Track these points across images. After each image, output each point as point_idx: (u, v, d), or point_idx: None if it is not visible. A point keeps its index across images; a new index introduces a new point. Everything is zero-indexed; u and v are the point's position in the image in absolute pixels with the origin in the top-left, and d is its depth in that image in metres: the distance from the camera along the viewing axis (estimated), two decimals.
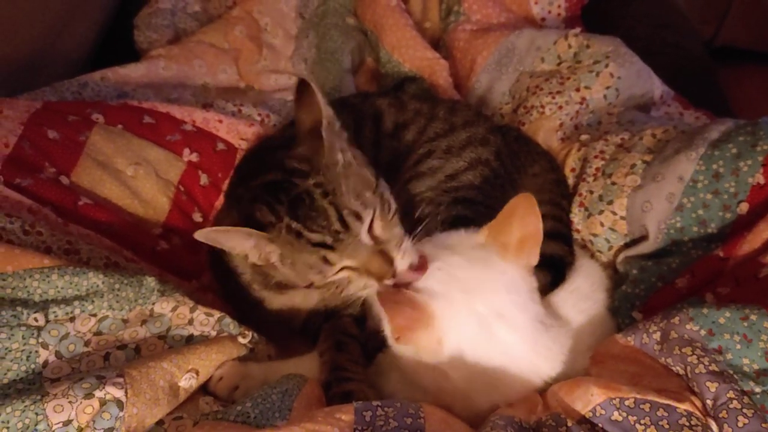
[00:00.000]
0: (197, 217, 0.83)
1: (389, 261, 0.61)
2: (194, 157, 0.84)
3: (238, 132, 0.89)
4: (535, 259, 0.62)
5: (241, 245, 0.62)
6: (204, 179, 0.84)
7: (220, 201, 0.85)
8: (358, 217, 0.60)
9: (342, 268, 0.62)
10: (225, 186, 0.86)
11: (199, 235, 0.59)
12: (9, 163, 0.71)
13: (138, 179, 0.79)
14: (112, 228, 0.74)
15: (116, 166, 0.78)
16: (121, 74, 0.97)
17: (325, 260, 0.60)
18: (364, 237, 0.61)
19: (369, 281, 0.62)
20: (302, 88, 0.62)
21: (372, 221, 0.61)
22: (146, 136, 0.82)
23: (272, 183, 0.63)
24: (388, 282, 0.61)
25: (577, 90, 0.94)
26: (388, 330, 0.59)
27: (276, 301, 0.73)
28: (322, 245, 0.60)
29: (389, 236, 0.62)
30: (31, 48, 0.95)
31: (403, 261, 0.61)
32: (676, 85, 1.03)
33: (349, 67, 1.07)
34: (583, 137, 0.90)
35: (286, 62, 1.13)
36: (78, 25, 1.06)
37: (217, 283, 0.79)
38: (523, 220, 0.61)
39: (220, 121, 0.89)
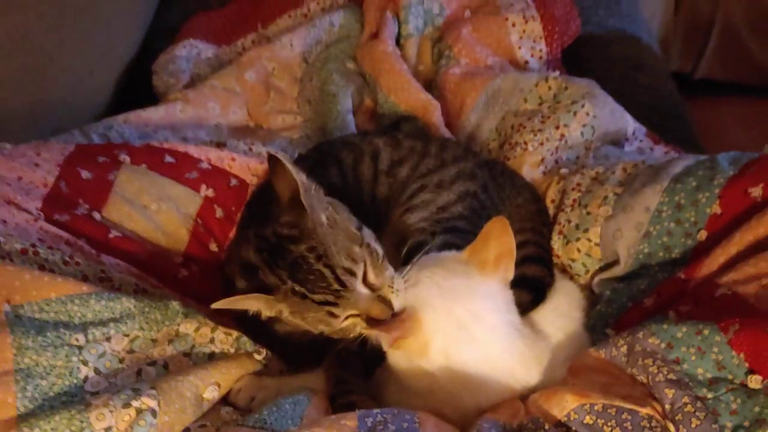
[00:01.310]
0: (213, 247, 0.91)
1: (387, 303, 0.68)
2: (210, 193, 0.92)
3: (249, 169, 0.97)
4: (510, 274, 0.71)
5: (254, 307, 0.69)
6: (219, 212, 0.92)
7: (233, 232, 0.93)
8: (352, 273, 0.67)
9: (346, 318, 0.69)
10: (238, 218, 0.93)
11: (217, 305, 0.66)
12: (48, 201, 0.79)
13: (161, 214, 0.87)
14: (139, 258, 0.81)
15: (142, 202, 0.86)
16: (142, 117, 1.06)
17: (331, 314, 0.68)
18: (360, 288, 0.68)
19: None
20: (273, 161, 0.69)
21: (366, 272, 0.68)
22: (167, 174, 0.90)
23: (269, 243, 0.70)
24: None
25: (557, 128, 1.02)
26: (384, 340, 0.67)
27: (283, 328, 0.80)
28: (326, 303, 0.67)
29: (382, 281, 0.69)
30: (62, 94, 1.04)
31: (398, 300, 0.69)
32: (648, 122, 1.11)
33: (349, 108, 1.14)
34: (563, 171, 0.98)
35: (291, 103, 1.21)
36: (102, 71, 1.16)
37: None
38: (499, 239, 0.70)
39: (233, 159, 0.96)
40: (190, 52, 1.25)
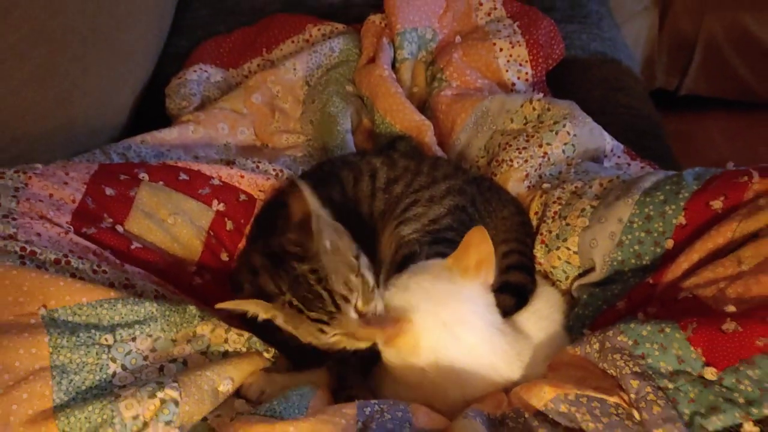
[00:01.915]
0: (224, 257, 0.98)
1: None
2: (221, 207, 0.99)
3: (257, 185, 1.04)
4: (490, 278, 0.78)
5: (253, 310, 0.77)
6: (229, 225, 0.99)
7: (242, 243, 1.00)
8: (347, 299, 0.75)
9: (334, 335, 0.76)
10: (247, 230, 1.00)
11: (220, 306, 0.74)
12: (76, 215, 0.86)
13: (177, 226, 0.94)
14: (158, 267, 0.88)
15: (159, 216, 0.93)
16: (157, 137, 1.13)
17: (321, 331, 0.76)
18: (352, 314, 0.76)
19: (355, 342, 0.77)
20: (293, 185, 0.78)
21: (358, 300, 0.76)
22: (182, 190, 0.97)
23: (274, 255, 0.78)
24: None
25: (540, 146, 1.07)
26: (379, 337, 0.75)
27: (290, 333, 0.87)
28: (319, 321, 0.75)
29: (369, 308, 0.77)
30: (85, 117, 1.12)
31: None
32: (626, 139, 1.17)
33: (348, 128, 1.21)
34: (545, 186, 1.03)
35: (295, 123, 1.27)
36: (121, 96, 1.24)
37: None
38: (478, 247, 0.77)
39: (242, 176, 1.03)
40: (200, 76, 1.32)
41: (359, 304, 0.76)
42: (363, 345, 0.77)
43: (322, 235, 0.76)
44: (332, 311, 0.75)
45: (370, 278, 0.79)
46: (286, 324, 0.77)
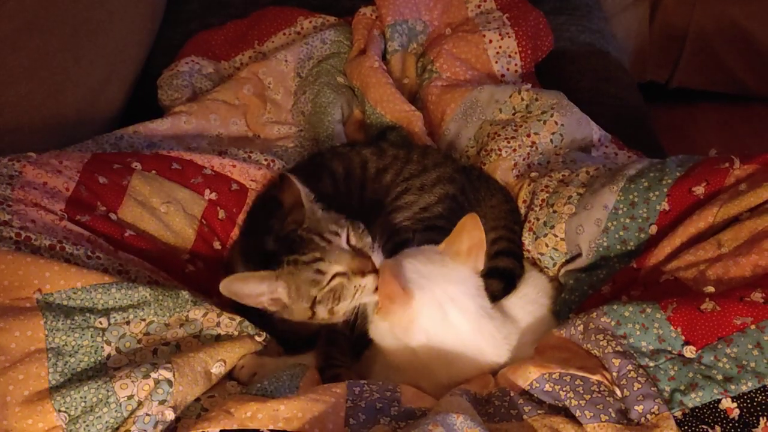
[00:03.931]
0: (217, 245, 0.99)
1: (367, 258, 0.81)
2: (213, 196, 1.00)
3: (248, 175, 1.05)
4: (480, 264, 0.80)
5: (257, 290, 0.80)
6: (222, 214, 1.00)
7: (234, 233, 1.01)
8: (336, 234, 0.81)
9: (333, 276, 0.79)
10: (239, 220, 1.02)
11: (223, 289, 0.78)
12: (70, 203, 0.87)
13: (169, 215, 0.95)
14: (151, 254, 0.89)
15: (152, 204, 0.94)
16: (150, 128, 1.13)
17: (319, 271, 0.79)
18: (344, 245, 0.81)
19: (356, 281, 0.80)
20: (283, 180, 0.86)
21: (348, 235, 0.82)
22: (175, 179, 0.98)
23: (271, 253, 0.83)
24: (371, 278, 0.80)
25: (528, 136, 1.09)
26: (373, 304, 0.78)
27: (279, 316, 0.89)
28: (315, 260, 0.79)
29: (363, 243, 0.83)
30: (78, 107, 1.13)
31: (377, 258, 0.83)
32: (614, 129, 1.19)
33: (339, 119, 1.22)
34: (533, 174, 1.05)
35: (286, 115, 1.28)
36: (113, 87, 1.25)
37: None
38: (471, 233, 0.79)
39: (234, 166, 1.04)
40: (192, 67, 1.32)
41: (352, 239, 0.82)
42: (371, 285, 0.79)
43: (313, 208, 0.83)
44: (324, 246, 0.80)
45: (359, 223, 0.84)
46: (289, 295, 0.80)
